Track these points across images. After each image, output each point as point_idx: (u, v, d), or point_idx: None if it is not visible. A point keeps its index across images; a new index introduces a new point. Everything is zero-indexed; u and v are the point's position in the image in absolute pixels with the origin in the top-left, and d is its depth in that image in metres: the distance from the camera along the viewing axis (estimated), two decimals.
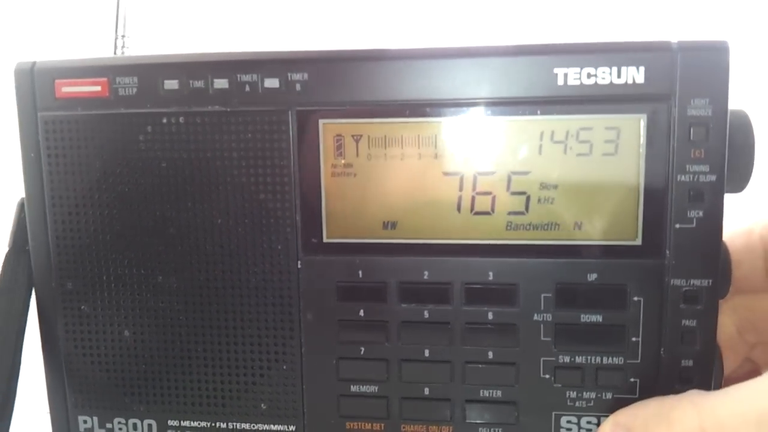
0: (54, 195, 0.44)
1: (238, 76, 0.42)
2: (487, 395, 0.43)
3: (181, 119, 0.43)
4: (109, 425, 0.47)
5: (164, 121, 0.43)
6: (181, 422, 0.46)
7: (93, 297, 0.45)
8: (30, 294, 0.45)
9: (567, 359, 0.42)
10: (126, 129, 0.43)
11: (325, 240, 0.43)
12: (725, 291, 0.42)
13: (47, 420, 0.48)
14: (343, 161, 0.42)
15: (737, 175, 0.41)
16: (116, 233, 0.44)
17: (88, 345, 0.46)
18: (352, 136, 0.42)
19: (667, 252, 0.40)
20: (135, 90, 0.43)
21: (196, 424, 0.46)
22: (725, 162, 0.39)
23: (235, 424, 0.45)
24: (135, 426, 0.46)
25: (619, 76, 0.40)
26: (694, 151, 0.40)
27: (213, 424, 0.45)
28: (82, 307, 0.45)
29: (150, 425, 0.46)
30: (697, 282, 0.40)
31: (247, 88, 0.42)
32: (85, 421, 0.47)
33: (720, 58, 0.39)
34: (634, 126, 0.40)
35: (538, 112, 0.40)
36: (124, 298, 0.45)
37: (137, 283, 0.44)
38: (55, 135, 0.44)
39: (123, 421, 0.46)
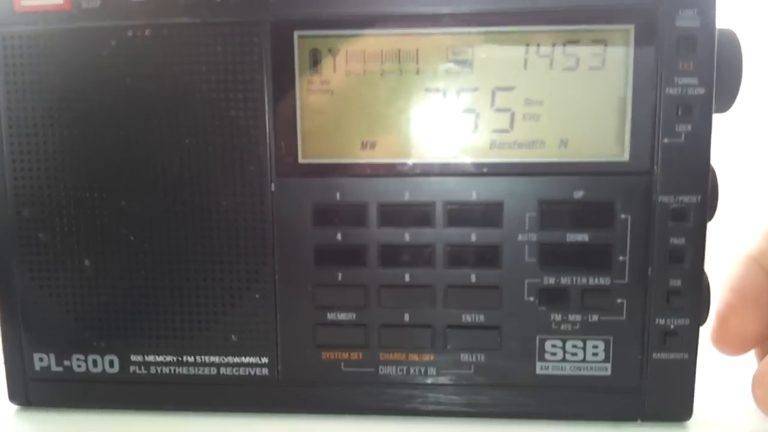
0: (11, 115, 0.44)
1: None
2: (470, 320, 0.44)
3: (147, 32, 0.42)
4: (66, 362, 0.46)
5: (129, 34, 0.42)
6: (145, 357, 0.46)
7: (51, 224, 0.44)
8: None
9: (552, 281, 0.43)
10: (89, 44, 0.43)
11: (300, 161, 0.43)
12: (713, 213, 0.43)
13: None
14: (319, 77, 0.42)
15: (724, 92, 0.42)
16: (77, 155, 0.44)
17: (45, 276, 0.45)
18: (329, 50, 0.42)
19: (655, 168, 0.41)
20: (99, 2, 0.43)
21: (161, 358, 0.45)
22: (714, 74, 0.40)
23: (203, 357, 0.45)
24: (95, 362, 0.46)
25: None
26: (682, 64, 0.40)
27: (179, 359, 0.45)
28: (40, 235, 0.45)
29: (111, 361, 0.46)
30: (685, 199, 0.41)
31: None
32: (41, 359, 0.46)
33: None
34: (622, 38, 0.41)
35: (523, 22, 0.41)
36: (84, 225, 0.44)
37: (99, 209, 0.44)
38: (14, 51, 0.43)
39: (82, 357, 0.46)
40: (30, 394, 0.47)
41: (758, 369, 0.44)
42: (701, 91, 0.41)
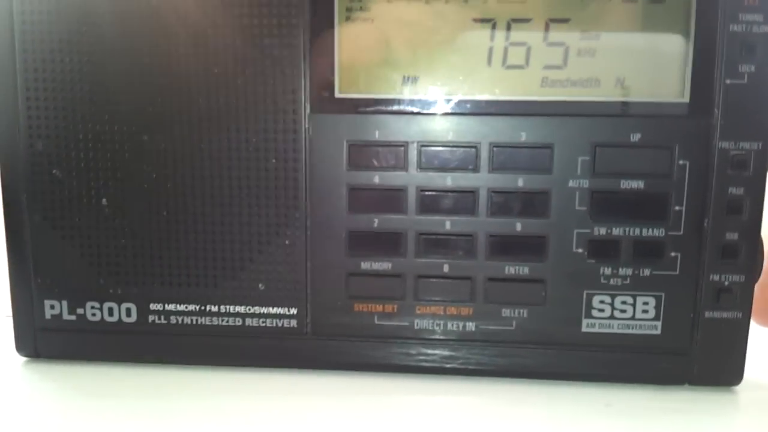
0: (25, 39, 0.41)
1: None
2: (513, 273, 0.41)
3: None
4: (80, 310, 0.43)
5: None
6: (166, 306, 0.43)
7: (67, 159, 0.41)
8: None
9: (603, 231, 0.40)
10: None
11: (337, 95, 0.40)
12: None
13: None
14: (359, 4, 0.39)
15: None
16: (96, 85, 0.41)
17: (59, 216, 0.42)
18: None
19: (716, 111, 0.39)
20: None
21: (182, 307, 0.42)
22: None
23: (227, 307, 0.42)
24: (111, 311, 0.43)
25: None
26: None
27: (203, 308, 0.42)
28: (54, 171, 0.42)
29: (128, 309, 0.43)
30: (746, 145, 0.39)
31: None
32: (52, 306, 0.43)
33: None
34: None
35: None
36: (102, 161, 0.41)
37: (119, 144, 0.41)
38: None
39: (97, 305, 0.43)
40: (39, 344, 0.44)
41: None
42: (766, 29, 0.38)
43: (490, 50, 0.39)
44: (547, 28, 0.39)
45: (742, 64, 0.38)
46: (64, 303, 0.43)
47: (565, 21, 0.39)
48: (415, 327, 0.42)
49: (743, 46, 0.38)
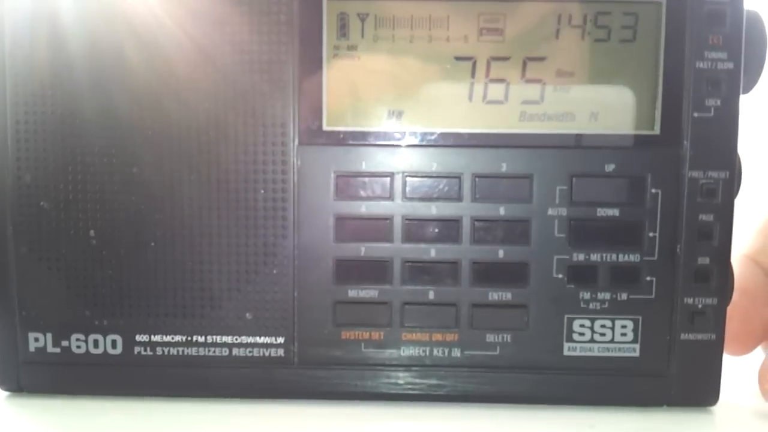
0: (17, 73, 0.41)
1: None
2: (496, 299, 0.42)
3: None
4: (65, 343, 0.43)
5: None
6: (152, 337, 0.43)
7: (55, 191, 0.42)
8: None
9: (581, 257, 0.42)
10: None
11: (324, 128, 0.42)
12: (737, 189, 0.42)
13: None
14: (346, 42, 0.41)
15: (749, 71, 0.42)
16: (87, 118, 0.42)
17: (45, 248, 0.42)
18: (358, 14, 0.41)
19: (686, 142, 0.41)
20: None
21: (169, 338, 0.43)
22: (742, 48, 0.41)
23: (214, 337, 0.43)
24: (96, 343, 0.43)
25: None
26: (712, 38, 0.41)
27: (189, 338, 0.43)
28: (42, 203, 0.42)
29: (114, 341, 0.43)
30: (714, 174, 0.41)
31: None
32: (36, 339, 0.43)
33: None
34: (654, 11, 0.41)
35: None
36: (91, 193, 0.42)
37: (108, 175, 0.42)
38: (22, 3, 0.41)
39: (82, 337, 0.43)
40: (22, 378, 0.44)
41: (763, 363, 0.43)
42: (730, 65, 0.41)
43: (471, 86, 0.41)
44: (524, 66, 0.41)
45: (709, 98, 0.41)
46: (49, 335, 0.43)
47: (541, 59, 0.41)
48: (402, 353, 0.43)
49: (709, 81, 0.41)
